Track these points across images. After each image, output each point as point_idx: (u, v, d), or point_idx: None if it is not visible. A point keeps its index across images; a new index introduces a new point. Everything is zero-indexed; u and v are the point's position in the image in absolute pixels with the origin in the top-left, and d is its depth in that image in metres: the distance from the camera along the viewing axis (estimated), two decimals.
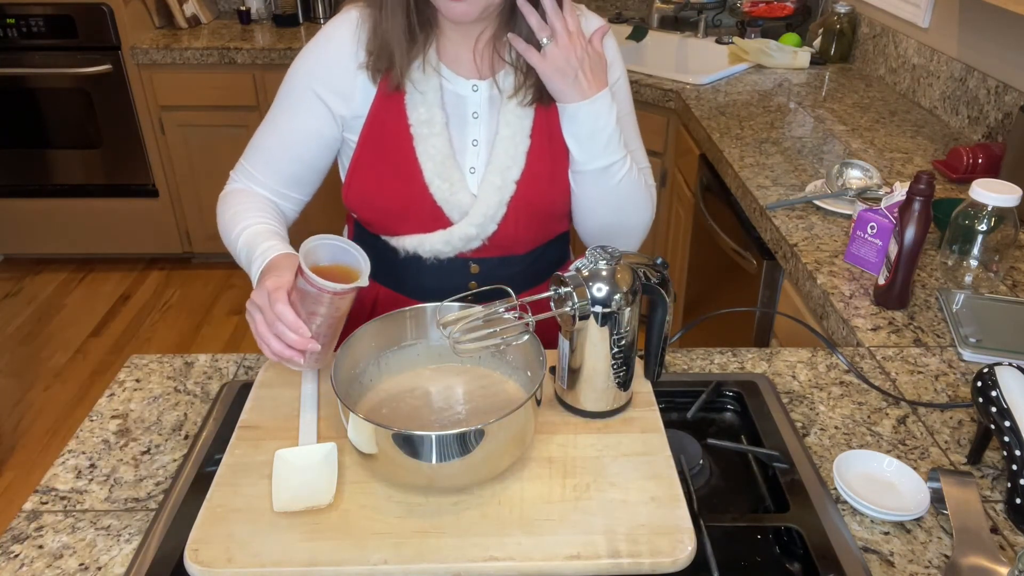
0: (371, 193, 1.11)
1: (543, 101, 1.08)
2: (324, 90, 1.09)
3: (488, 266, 1.15)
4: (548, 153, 1.10)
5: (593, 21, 1.11)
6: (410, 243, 1.13)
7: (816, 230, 1.49)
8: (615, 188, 1.11)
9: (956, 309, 1.22)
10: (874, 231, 1.31)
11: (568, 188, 1.14)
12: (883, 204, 1.33)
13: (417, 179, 1.08)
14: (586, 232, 1.18)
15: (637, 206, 1.15)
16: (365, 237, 1.17)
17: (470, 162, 1.10)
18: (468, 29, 1.07)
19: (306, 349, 0.88)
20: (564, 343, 0.92)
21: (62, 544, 0.82)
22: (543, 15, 1.02)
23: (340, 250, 0.90)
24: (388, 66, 1.06)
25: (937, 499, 0.86)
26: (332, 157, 1.16)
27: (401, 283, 1.18)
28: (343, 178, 1.16)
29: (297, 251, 0.89)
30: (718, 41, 2.80)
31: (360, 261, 0.90)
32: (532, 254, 1.18)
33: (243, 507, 0.81)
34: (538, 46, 1.03)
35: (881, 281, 1.24)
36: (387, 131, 1.09)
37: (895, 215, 1.23)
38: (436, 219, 1.11)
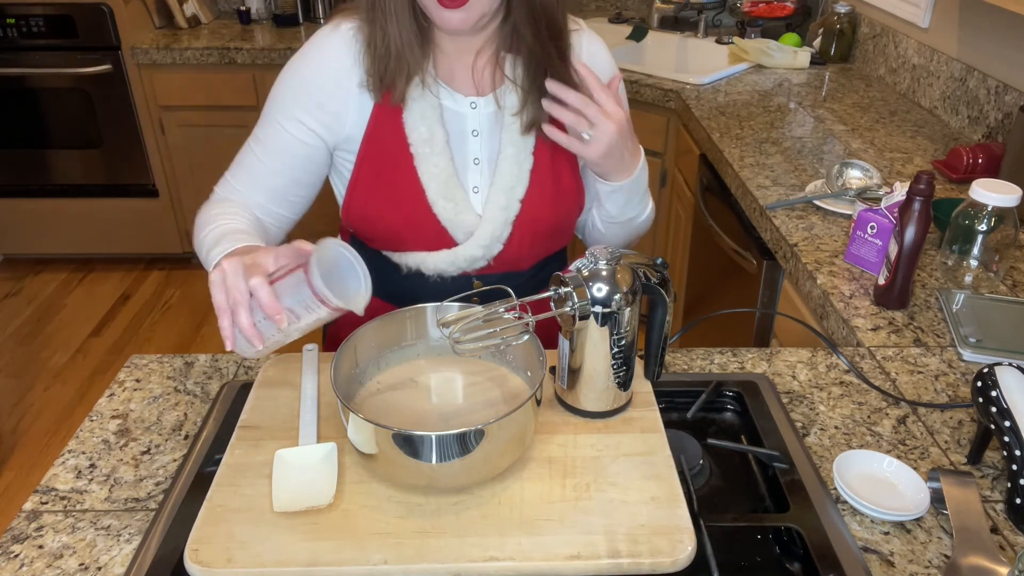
0: (372, 214, 1.09)
1: (540, 127, 1.06)
2: (313, 113, 1.05)
3: (491, 282, 1.14)
4: (551, 171, 1.10)
5: (588, 41, 1.09)
6: (413, 260, 1.11)
7: (816, 230, 1.49)
8: (637, 227, 1.18)
9: (956, 309, 1.22)
10: (874, 231, 1.31)
11: (571, 204, 1.14)
12: (883, 204, 1.33)
13: (420, 199, 1.06)
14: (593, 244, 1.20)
15: (646, 228, 1.22)
16: (365, 251, 1.14)
17: (472, 181, 1.09)
18: (465, 44, 1.04)
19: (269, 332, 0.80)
20: (564, 343, 0.92)
21: (62, 544, 0.82)
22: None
23: (348, 265, 0.84)
24: (396, 78, 1.01)
25: (937, 499, 0.86)
26: (322, 175, 1.12)
27: (402, 298, 1.15)
28: (339, 198, 1.14)
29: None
30: (718, 41, 2.80)
31: (362, 285, 0.84)
32: (534, 269, 1.18)
33: (243, 507, 0.81)
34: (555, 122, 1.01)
35: (881, 281, 1.24)
36: (386, 150, 1.06)
37: (895, 215, 1.23)
38: (440, 239, 1.09)
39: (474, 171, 1.09)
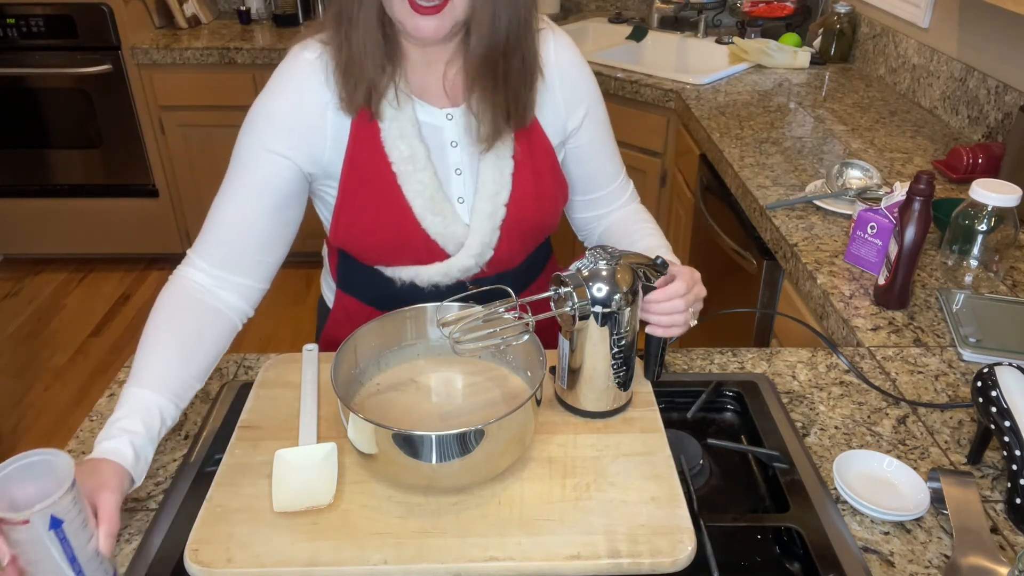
0: (361, 236, 1.07)
1: (501, 138, 1.05)
2: (286, 147, 1.01)
3: (484, 284, 1.14)
4: (531, 171, 1.09)
5: (556, 41, 1.08)
6: (406, 274, 1.10)
7: (816, 230, 1.49)
8: None
9: (956, 309, 1.22)
10: (874, 231, 1.31)
11: (554, 199, 1.13)
12: (883, 204, 1.33)
13: (408, 217, 1.05)
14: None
15: None
16: (358, 267, 1.14)
17: (457, 192, 1.08)
18: (435, 54, 1.02)
19: None
20: (564, 343, 0.92)
21: None
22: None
23: (44, 467, 0.71)
24: (369, 92, 0.99)
25: (937, 499, 0.86)
26: (301, 210, 1.07)
27: (398, 306, 1.15)
28: (325, 224, 1.12)
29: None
30: (718, 41, 2.80)
31: (61, 480, 0.70)
32: (524, 264, 1.18)
33: (243, 507, 0.81)
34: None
35: (881, 281, 1.24)
36: (368, 172, 1.04)
37: (895, 215, 1.23)
38: (431, 253, 1.08)
39: (457, 181, 1.08)
